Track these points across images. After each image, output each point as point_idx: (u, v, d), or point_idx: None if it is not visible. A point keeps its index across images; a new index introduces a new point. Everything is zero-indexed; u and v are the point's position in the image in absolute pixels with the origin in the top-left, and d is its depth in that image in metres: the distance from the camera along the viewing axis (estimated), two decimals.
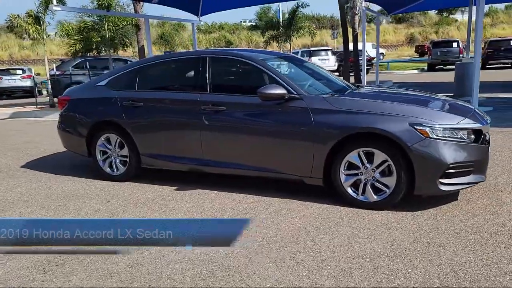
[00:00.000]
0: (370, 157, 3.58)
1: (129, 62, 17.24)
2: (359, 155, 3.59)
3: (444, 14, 54.52)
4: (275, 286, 2.47)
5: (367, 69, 17.41)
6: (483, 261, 2.66)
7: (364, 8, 13.81)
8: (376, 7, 15.79)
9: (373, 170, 3.57)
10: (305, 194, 4.00)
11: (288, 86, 3.87)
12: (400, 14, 51.35)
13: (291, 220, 3.48)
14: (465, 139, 3.47)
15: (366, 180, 3.61)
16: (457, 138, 3.43)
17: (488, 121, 3.83)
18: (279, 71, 4.15)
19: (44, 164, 5.85)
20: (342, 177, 3.69)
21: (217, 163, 4.28)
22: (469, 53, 12.29)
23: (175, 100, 4.43)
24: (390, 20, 47.69)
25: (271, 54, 5.27)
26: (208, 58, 4.35)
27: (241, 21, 56.80)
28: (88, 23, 12.71)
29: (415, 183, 3.44)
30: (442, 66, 23.49)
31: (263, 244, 3.03)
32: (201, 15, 15.09)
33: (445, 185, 3.43)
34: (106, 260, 2.85)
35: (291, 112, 3.85)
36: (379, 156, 3.52)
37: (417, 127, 3.40)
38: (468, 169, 3.49)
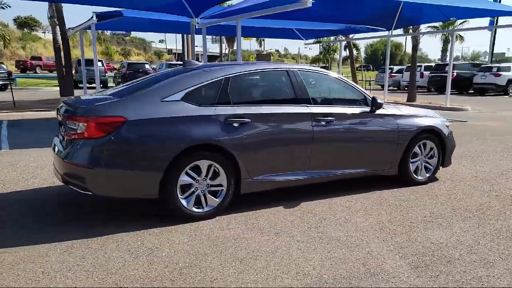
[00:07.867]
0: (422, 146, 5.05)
1: None
2: (419, 146, 5.00)
3: (26, 30, 52.63)
4: None
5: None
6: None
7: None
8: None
9: (424, 156, 5.07)
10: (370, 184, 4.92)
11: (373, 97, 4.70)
12: None
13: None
14: None
15: (421, 164, 5.06)
16: None
17: None
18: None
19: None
20: (410, 165, 4.96)
21: (320, 173, 4.36)
22: None
23: (287, 114, 4.07)
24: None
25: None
26: (298, 71, 4.34)
27: None
28: None
29: (444, 160, 5.24)
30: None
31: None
32: None
33: (451, 159, 5.44)
34: None
35: (383, 119, 4.68)
36: (429, 144, 5.05)
37: (445, 124, 5.22)
38: None
